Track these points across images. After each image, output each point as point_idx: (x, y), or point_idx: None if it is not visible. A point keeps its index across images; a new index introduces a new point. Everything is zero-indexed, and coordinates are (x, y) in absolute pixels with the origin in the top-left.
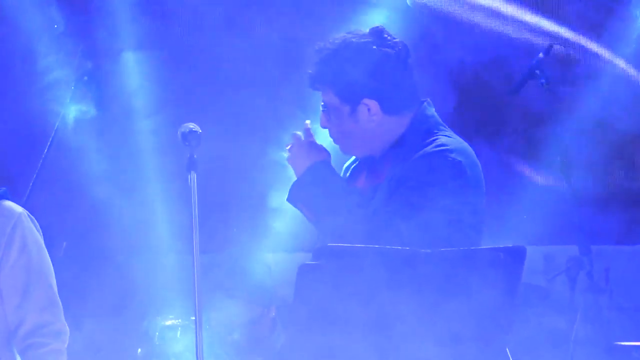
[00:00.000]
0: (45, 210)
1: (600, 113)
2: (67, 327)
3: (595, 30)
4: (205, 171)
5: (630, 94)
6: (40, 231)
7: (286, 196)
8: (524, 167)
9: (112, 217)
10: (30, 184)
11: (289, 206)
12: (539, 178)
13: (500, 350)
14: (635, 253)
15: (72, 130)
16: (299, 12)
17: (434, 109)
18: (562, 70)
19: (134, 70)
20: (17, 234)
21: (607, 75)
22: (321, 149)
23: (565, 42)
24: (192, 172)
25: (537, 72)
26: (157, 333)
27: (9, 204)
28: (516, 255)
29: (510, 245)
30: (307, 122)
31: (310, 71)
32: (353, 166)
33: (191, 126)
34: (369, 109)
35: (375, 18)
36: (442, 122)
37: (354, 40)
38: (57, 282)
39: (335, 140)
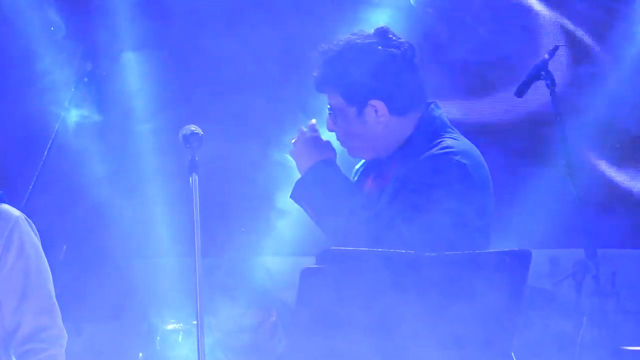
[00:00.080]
0: (45, 212)
1: (606, 115)
2: (65, 331)
3: (600, 30)
4: (205, 173)
5: (636, 96)
6: (38, 234)
7: (289, 193)
8: (529, 169)
9: (113, 220)
10: (30, 186)
11: (290, 209)
12: (544, 180)
13: (505, 355)
14: None
15: (72, 132)
16: (300, 12)
17: (441, 111)
18: (568, 71)
19: (134, 71)
20: (15, 238)
21: (613, 77)
22: (327, 146)
23: (571, 42)
24: (194, 174)
25: (543, 73)
26: (158, 337)
27: (6, 207)
28: (521, 258)
29: (516, 249)
30: (313, 120)
31: (315, 74)
32: (362, 169)
33: (193, 128)
34: (376, 110)
35: (378, 18)
36: (449, 123)
37: (358, 41)
38: (57, 285)
39: (342, 143)
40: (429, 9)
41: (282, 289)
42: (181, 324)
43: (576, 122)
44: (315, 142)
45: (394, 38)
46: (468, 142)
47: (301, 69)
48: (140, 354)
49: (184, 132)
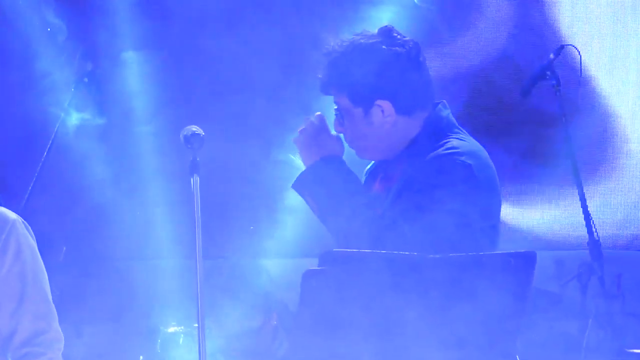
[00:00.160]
0: (45, 213)
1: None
2: (62, 335)
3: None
4: (206, 174)
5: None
6: (34, 237)
7: (292, 183)
8: (534, 170)
9: (113, 221)
10: (30, 187)
11: (291, 210)
12: (549, 181)
13: (509, 356)
14: None
15: (72, 133)
16: (300, 12)
17: (449, 111)
18: (573, 70)
19: (134, 72)
20: (12, 241)
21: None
22: (334, 141)
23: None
24: (195, 175)
25: (548, 73)
26: (159, 340)
27: (3, 210)
28: (526, 260)
29: (521, 251)
30: (317, 113)
31: (320, 76)
32: (370, 170)
33: (194, 129)
34: (382, 110)
35: (381, 16)
36: (457, 124)
37: (362, 41)
38: (57, 287)
39: (350, 145)
40: (432, 7)
41: (283, 290)
42: (182, 327)
43: (581, 122)
44: (323, 134)
45: (398, 37)
46: (475, 142)
47: (302, 69)
48: (141, 357)
49: (185, 133)
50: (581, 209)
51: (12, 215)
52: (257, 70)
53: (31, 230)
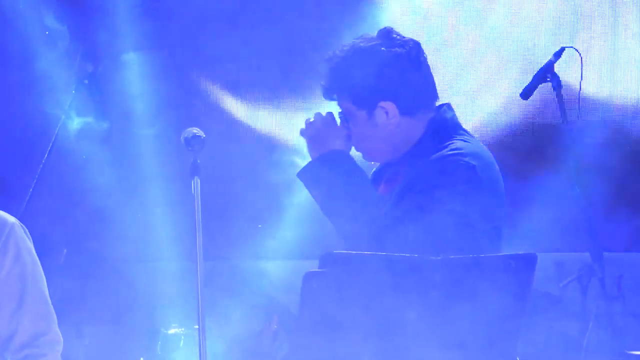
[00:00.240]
0: (45, 216)
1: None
2: (61, 336)
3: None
4: (206, 175)
5: None
6: (31, 240)
7: (297, 171)
8: (535, 172)
9: (114, 223)
10: (31, 189)
11: (292, 212)
12: (550, 183)
13: (510, 358)
14: None
15: (73, 136)
16: (301, 12)
17: (453, 113)
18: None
19: (135, 73)
20: (11, 244)
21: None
22: (343, 136)
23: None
24: (196, 177)
25: (549, 75)
26: (159, 341)
27: (1, 213)
28: (527, 262)
29: (521, 253)
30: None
31: (322, 82)
32: (375, 173)
33: (194, 131)
34: (386, 112)
35: (382, 17)
36: (461, 125)
37: (362, 44)
38: (57, 289)
39: (356, 148)
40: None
41: (284, 292)
42: (183, 328)
43: (583, 124)
44: (332, 128)
45: (397, 37)
46: (480, 144)
47: (303, 69)
48: (141, 358)
49: (185, 135)
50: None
51: (10, 218)
52: (258, 70)
53: (29, 234)
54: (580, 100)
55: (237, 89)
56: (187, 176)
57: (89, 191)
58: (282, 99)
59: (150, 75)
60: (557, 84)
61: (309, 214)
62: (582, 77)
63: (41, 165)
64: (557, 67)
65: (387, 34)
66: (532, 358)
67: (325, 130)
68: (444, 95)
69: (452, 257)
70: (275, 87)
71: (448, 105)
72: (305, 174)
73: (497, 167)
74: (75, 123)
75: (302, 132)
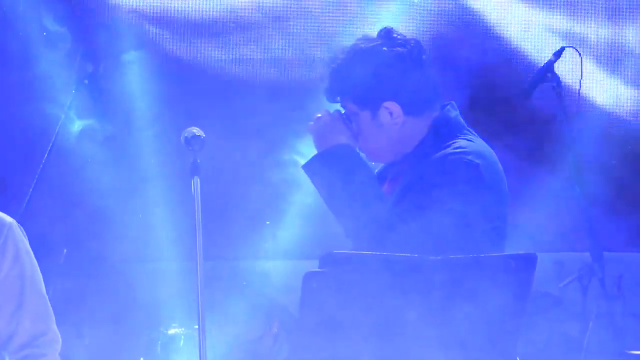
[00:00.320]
0: (45, 216)
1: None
2: (59, 335)
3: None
4: (206, 175)
5: None
6: (27, 240)
7: (303, 164)
8: (535, 171)
9: (113, 223)
10: (31, 189)
11: (293, 212)
12: (550, 182)
13: (510, 358)
14: None
15: (74, 137)
16: (300, 12)
17: (457, 112)
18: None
19: (135, 73)
20: (10, 244)
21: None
22: (349, 132)
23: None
24: (196, 177)
25: (549, 74)
26: (159, 342)
27: None
28: (527, 262)
29: (521, 253)
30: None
31: (324, 84)
32: (379, 172)
33: (194, 130)
34: (390, 113)
35: (382, 17)
36: (466, 125)
37: (363, 45)
38: (57, 289)
39: (361, 149)
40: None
41: (284, 293)
42: (183, 329)
43: (583, 123)
44: (339, 124)
45: (398, 37)
46: (484, 143)
47: (303, 69)
48: (142, 359)
49: (185, 135)
50: (581, 209)
51: (7, 218)
52: (258, 71)
53: (25, 234)
54: (580, 100)
55: (237, 88)
56: (187, 176)
57: (89, 191)
58: (283, 99)
59: (150, 75)
60: (557, 83)
61: (309, 214)
62: (582, 77)
63: (41, 165)
64: (557, 67)
65: (388, 34)
66: (532, 358)
67: (332, 125)
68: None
69: (452, 257)
70: (275, 87)
71: (452, 104)
72: (311, 167)
73: (500, 166)
74: (77, 126)
75: (310, 127)
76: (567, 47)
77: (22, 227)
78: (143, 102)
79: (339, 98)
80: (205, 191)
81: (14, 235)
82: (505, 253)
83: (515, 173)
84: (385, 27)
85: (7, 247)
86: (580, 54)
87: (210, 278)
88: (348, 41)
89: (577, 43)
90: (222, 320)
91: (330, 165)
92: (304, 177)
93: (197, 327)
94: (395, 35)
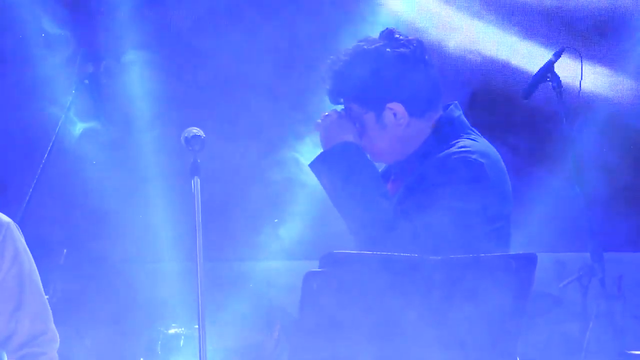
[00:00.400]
0: (45, 216)
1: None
2: (57, 334)
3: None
4: (206, 175)
5: None
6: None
7: (310, 162)
8: (535, 171)
9: (114, 224)
10: (31, 190)
11: (293, 212)
12: (550, 183)
13: (510, 359)
14: None
15: (75, 138)
16: (301, 12)
17: (461, 112)
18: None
19: (135, 73)
20: (8, 244)
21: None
22: (356, 131)
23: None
24: (196, 177)
25: (549, 75)
26: (159, 342)
27: None
28: (527, 262)
29: (521, 253)
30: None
31: (327, 87)
32: (383, 172)
33: (195, 131)
34: (394, 114)
35: (382, 17)
36: (469, 125)
37: (365, 47)
38: (57, 289)
39: (364, 149)
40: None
41: (284, 293)
42: (183, 329)
43: (583, 124)
44: (346, 122)
45: (401, 38)
46: (487, 143)
47: (304, 69)
48: (142, 359)
49: (185, 135)
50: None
51: (5, 218)
52: (258, 71)
53: (22, 234)
54: (580, 100)
55: (238, 88)
56: (187, 176)
57: (89, 191)
58: (283, 98)
59: (150, 75)
60: (557, 83)
61: (309, 214)
62: (582, 77)
63: (41, 166)
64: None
65: (390, 34)
66: (532, 358)
67: (338, 123)
68: None
69: (452, 257)
70: (275, 86)
71: (456, 104)
72: (317, 165)
73: (504, 165)
74: (78, 128)
75: (317, 126)
76: (567, 47)
77: (19, 227)
78: (143, 102)
79: (342, 100)
80: (205, 191)
81: (12, 235)
82: (507, 253)
83: (515, 173)
84: (387, 28)
85: (5, 247)
86: (580, 54)
87: (210, 278)
88: (349, 41)
89: (578, 43)
90: (222, 319)
91: (336, 162)
92: (304, 177)
93: (197, 327)
94: (397, 36)
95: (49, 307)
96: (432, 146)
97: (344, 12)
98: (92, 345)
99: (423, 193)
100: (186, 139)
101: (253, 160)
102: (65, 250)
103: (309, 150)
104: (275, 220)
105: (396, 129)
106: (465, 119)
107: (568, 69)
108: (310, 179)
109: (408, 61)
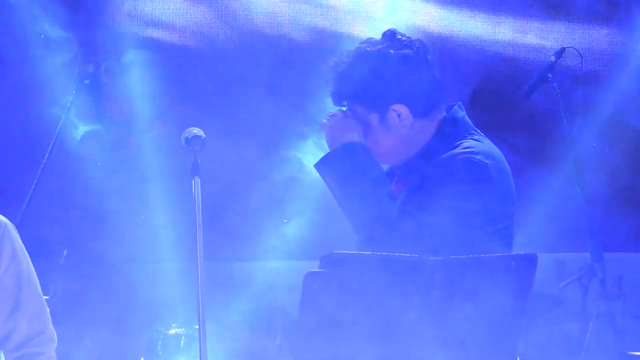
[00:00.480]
0: (45, 217)
1: (613, 114)
2: (55, 334)
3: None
4: (207, 176)
5: None
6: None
7: (315, 163)
8: (535, 171)
9: (114, 224)
10: (31, 190)
11: (293, 212)
12: (550, 182)
13: (510, 358)
14: None
15: (75, 139)
16: (301, 8)
17: (464, 113)
18: (574, 71)
19: (135, 73)
20: (6, 244)
21: (620, 75)
22: (361, 132)
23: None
24: (196, 177)
25: (549, 75)
26: (160, 342)
27: None
28: (527, 262)
29: (521, 253)
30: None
31: (330, 89)
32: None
33: (195, 131)
34: (399, 115)
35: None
36: (473, 126)
37: (368, 48)
38: (57, 290)
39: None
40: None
41: (284, 293)
42: (183, 329)
43: (583, 124)
44: (351, 123)
45: (403, 39)
46: (491, 144)
47: (304, 69)
48: (142, 359)
49: (186, 135)
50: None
51: (3, 219)
52: (259, 71)
53: (18, 234)
54: (580, 100)
55: (237, 88)
56: (187, 176)
57: (89, 192)
58: (283, 98)
59: (150, 76)
60: (557, 83)
61: (310, 214)
62: (582, 77)
63: (42, 166)
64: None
65: (393, 35)
66: (532, 358)
67: (344, 123)
68: None
69: (453, 257)
70: (276, 86)
71: (459, 105)
72: (323, 164)
73: (507, 166)
74: (80, 131)
75: (323, 125)
76: (567, 47)
77: (15, 227)
78: (143, 101)
79: (345, 102)
80: (205, 191)
81: (10, 235)
82: (506, 253)
83: (516, 172)
84: (389, 29)
85: (3, 247)
86: (580, 54)
87: (210, 278)
88: (350, 41)
89: (578, 43)
90: (222, 319)
91: (342, 162)
92: (304, 178)
93: (197, 327)
94: (399, 37)
95: (47, 307)
96: (436, 147)
97: (346, 11)
98: (92, 345)
99: (427, 193)
100: (186, 139)
101: (253, 160)
102: (65, 251)
103: (311, 150)
104: (285, 221)
105: (400, 130)
106: (468, 120)
107: (568, 69)
108: (311, 178)
109: (411, 62)
